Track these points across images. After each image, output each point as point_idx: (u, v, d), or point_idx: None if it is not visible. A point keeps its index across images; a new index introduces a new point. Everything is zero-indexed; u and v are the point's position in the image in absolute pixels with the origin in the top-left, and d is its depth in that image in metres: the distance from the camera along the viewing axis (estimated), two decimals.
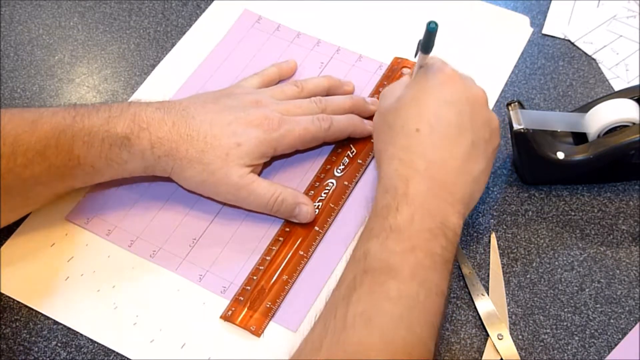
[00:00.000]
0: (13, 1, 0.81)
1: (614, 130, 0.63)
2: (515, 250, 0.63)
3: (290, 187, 0.64)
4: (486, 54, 0.74)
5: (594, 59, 0.74)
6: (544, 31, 0.76)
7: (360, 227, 0.63)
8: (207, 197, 0.64)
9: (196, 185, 0.62)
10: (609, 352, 0.58)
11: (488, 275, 0.62)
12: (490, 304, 0.60)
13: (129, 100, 0.72)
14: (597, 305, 0.61)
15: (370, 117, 0.68)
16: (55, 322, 0.61)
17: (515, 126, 0.62)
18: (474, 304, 0.60)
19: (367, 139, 0.68)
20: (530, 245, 0.64)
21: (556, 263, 0.63)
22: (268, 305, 0.60)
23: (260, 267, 0.62)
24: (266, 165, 0.66)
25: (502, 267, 0.62)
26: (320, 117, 0.65)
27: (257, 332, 0.59)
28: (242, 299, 0.60)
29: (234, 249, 0.63)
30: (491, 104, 0.71)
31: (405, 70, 0.72)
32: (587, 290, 0.61)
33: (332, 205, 0.65)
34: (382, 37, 0.76)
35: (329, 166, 0.67)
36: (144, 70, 0.75)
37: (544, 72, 0.73)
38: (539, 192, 0.66)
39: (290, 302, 0.61)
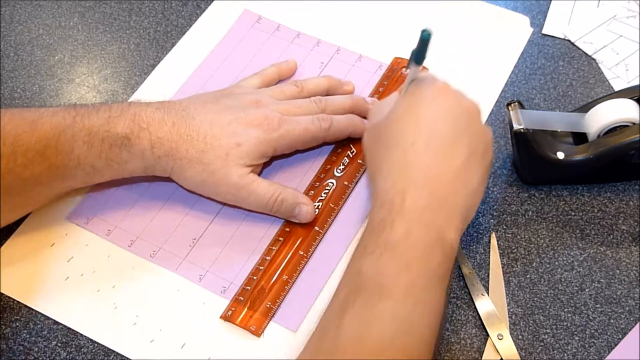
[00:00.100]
0: (13, 1, 0.81)
1: (614, 130, 0.63)
2: (515, 250, 0.63)
3: (290, 187, 0.64)
4: (486, 54, 0.74)
5: (594, 59, 0.74)
6: (544, 31, 0.76)
7: (360, 227, 0.64)
8: (207, 197, 0.64)
9: (196, 185, 0.62)
10: (609, 352, 0.58)
11: (488, 275, 0.62)
12: (490, 304, 0.60)
13: (129, 100, 0.72)
14: (597, 305, 0.61)
15: None
16: (55, 322, 0.61)
17: (515, 126, 0.62)
18: (474, 304, 0.60)
19: None
20: (530, 245, 0.64)
21: (556, 263, 0.63)
22: (268, 305, 0.60)
23: (260, 267, 0.62)
24: (266, 165, 0.66)
25: (502, 267, 0.62)
26: (320, 117, 0.65)
27: (257, 332, 0.59)
28: (242, 299, 0.60)
29: (234, 249, 0.63)
30: (491, 104, 0.71)
31: (404, 70, 0.72)
32: (587, 290, 0.61)
33: (332, 205, 0.65)
34: (382, 37, 0.76)
35: (329, 166, 0.67)
36: (144, 70, 0.75)
37: (544, 72, 0.73)
38: (539, 192, 0.66)
39: (290, 302, 0.61)
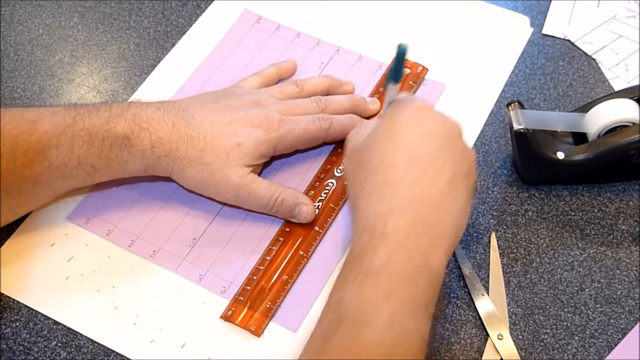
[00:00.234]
0: (13, 1, 0.81)
1: (614, 130, 0.63)
2: (515, 250, 0.63)
3: (290, 187, 0.64)
4: (486, 54, 0.74)
5: (594, 59, 0.74)
6: (544, 31, 0.76)
7: None
8: (207, 197, 0.64)
9: (196, 185, 0.62)
10: (609, 352, 0.58)
11: (488, 275, 0.62)
12: (490, 304, 0.60)
13: (129, 100, 0.72)
14: (597, 305, 0.61)
15: (370, 117, 0.68)
16: (55, 322, 0.61)
17: (515, 126, 0.62)
18: (474, 304, 0.60)
19: None
20: (530, 245, 0.64)
21: (556, 263, 0.63)
22: (268, 305, 0.60)
23: (260, 267, 0.62)
24: (266, 165, 0.66)
25: (502, 267, 0.62)
26: (320, 116, 0.65)
27: (257, 332, 0.59)
28: (242, 299, 0.60)
29: (234, 249, 0.63)
30: (491, 104, 0.71)
31: (404, 70, 0.72)
32: (587, 290, 0.61)
33: (332, 205, 0.65)
34: (382, 37, 0.76)
35: (329, 166, 0.67)
36: (144, 70, 0.75)
37: (544, 72, 0.73)
38: (539, 192, 0.66)
39: (290, 302, 0.61)
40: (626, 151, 0.62)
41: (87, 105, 0.61)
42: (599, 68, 0.73)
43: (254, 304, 0.60)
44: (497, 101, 0.71)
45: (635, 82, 0.72)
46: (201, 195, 0.64)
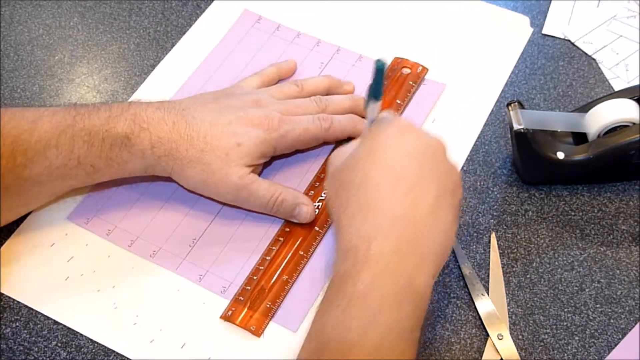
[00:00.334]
0: (13, 1, 0.81)
1: (614, 130, 0.63)
2: (515, 250, 0.63)
3: (290, 187, 0.64)
4: (486, 54, 0.74)
5: (594, 59, 0.74)
6: (544, 31, 0.76)
7: None
8: (207, 197, 0.64)
9: (196, 185, 0.62)
10: (609, 352, 0.58)
11: (488, 275, 0.62)
12: (490, 304, 0.60)
13: (129, 100, 0.72)
14: (597, 305, 0.61)
15: None
16: (55, 322, 0.61)
17: (515, 126, 0.62)
18: (474, 304, 0.60)
19: None
20: (530, 245, 0.64)
21: (556, 263, 0.63)
22: (268, 305, 0.60)
23: (260, 267, 0.62)
24: (266, 165, 0.66)
25: (502, 267, 0.62)
26: (320, 116, 0.65)
27: (257, 332, 0.59)
28: (242, 299, 0.60)
29: (234, 249, 0.63)
30: (491, 104, 0.71)
31: (405, 70, 0.72)
32: (587, 290, 0.61)
33: None
34: (382, 37, 0.76)
35: None
36: (144, 70, 0.75)
37: (544, 72, 0.73)
38: (539, 192, 0.66)
39: (290, 302, 0.60)
40: (626, 151, 0.62)
41: (87, 105, 0.61)
42: (599, 68, 0.73)
43: (254, 304, 0.60)
44: (497, 101, 0.71)
45: (635, 82, 0.72)
46: (201, 195, 0.64)
